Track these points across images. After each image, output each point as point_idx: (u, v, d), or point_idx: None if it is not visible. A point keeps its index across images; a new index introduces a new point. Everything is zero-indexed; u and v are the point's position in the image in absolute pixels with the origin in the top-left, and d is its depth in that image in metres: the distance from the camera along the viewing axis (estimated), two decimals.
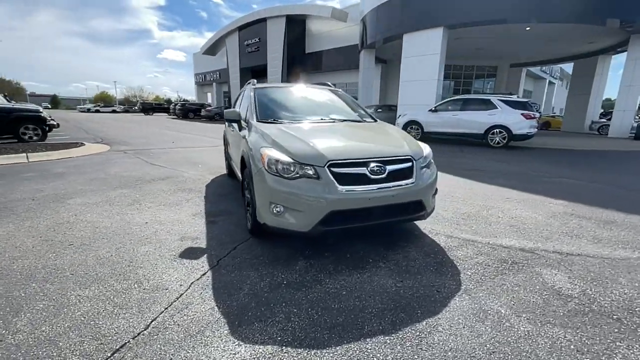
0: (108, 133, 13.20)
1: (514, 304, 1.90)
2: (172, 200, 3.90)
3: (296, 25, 28.75)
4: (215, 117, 27.20)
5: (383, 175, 2.31)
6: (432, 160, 2.81)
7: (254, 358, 1.46)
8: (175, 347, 1.52)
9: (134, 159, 6.92)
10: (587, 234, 3.00)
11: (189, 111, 30.32)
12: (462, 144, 10.51)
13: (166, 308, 1.82)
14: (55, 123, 10.39)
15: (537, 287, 2.09)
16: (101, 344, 1.54)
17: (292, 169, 2.24)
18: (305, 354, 1.48)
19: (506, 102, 9.39)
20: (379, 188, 2.27)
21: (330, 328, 1.66)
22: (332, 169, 2.22)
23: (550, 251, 2.62)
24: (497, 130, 9.40)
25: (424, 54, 14.11)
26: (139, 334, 1.61)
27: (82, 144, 8.86)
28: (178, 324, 1.68)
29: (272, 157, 2.30)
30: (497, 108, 9.44)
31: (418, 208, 2.51)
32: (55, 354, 1.47)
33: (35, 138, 9.35)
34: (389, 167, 2.35)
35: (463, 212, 3.59)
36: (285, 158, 2.27)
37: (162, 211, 3.49)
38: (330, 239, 2.73)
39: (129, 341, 1.56)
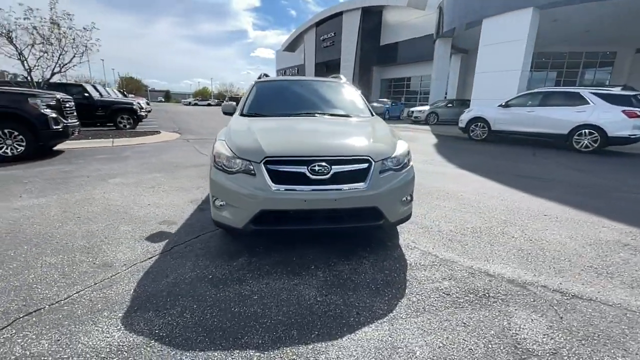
0: (189, 123, 15.03)
1: (441, 346, 1.53)
2: (186, 186, 4.25)
3: (372, 17, 28.06)
4: None
5: (326, 176, 2.09)
6: (407, 162, 2.42)
7: (119, 345, 1.50)
8: (70, 319, 1.66)
9: (189, 147, 7.74)
10: (628, 273, 2.22)
11: None
12: (538, 146, 8.84)
13: (96, 284, 2.00)
14: (144, 114, 12.33)
15: (492, 331, 1.64)
16: (24, 305, 1.77)
17: (233, 163, 2.19)
18: (162, 353, 1.45)
19: (602, 96, 7.48)
20: (317, 190, 2.06)
21: (210, 331, 1.60)
22: (268, 165, 2.10)
23: (551, 289, 2.02)
24: (587, 131, 7.59)
25: (505, 40, 12.22)
26: (56, 302, 1.80)
27: (159, 132, 10.31)
28: (90, 300, 1.83)
29: (218, 150, 2.30)
30: (588, 104, 7.60)
31: (373, 216, 2.20)
32: None
33: (128, 126, 11.24)
34: (336, 168, 2.11)
35: (469, 226, 3.02)
36: (228, 152, 2.23)
37: (169, 195, 3.83)
38: (289, 238, 2.61)
39: (44, 307, 1.76)
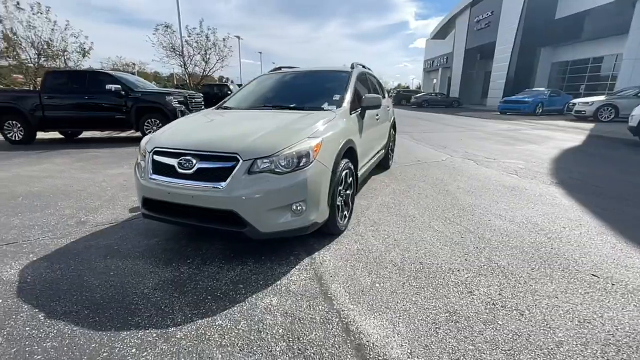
0: None
1: None
2: None
3: None
4: (423, 104, 26.92)
5: (190, 171, 2.02)
6: (302, 165, 2.00)
7: (1, 278, 2.01)
8: (14, 253, 2.33)
9: None
10: None
11: (401, 98, 31.55)
12: None
13: (60, 233, 2.68)
14: None
15: None
16: (13, 237, 2.60)
17: (143, 151, 2.42)
18: (8, 292, 1.87)
19: None
20: (177, 184, 2.03)
21: (46, 288, 1.91)
22: (154, 156, 2.21)
23: None
24: None
25: None
26: (26, 240, 2.55)
27: None
28: (40, 244, 2.49)
29: (142, 141, 2.58)
30: None
31: (233, 221, 1.97)
32: None
33: None
34: (200, 164, 2.00)
35: (427, 261, 2.18)
36: (143, 142, 2.48)
37: None
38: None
39: (18, 242, 2.53)
